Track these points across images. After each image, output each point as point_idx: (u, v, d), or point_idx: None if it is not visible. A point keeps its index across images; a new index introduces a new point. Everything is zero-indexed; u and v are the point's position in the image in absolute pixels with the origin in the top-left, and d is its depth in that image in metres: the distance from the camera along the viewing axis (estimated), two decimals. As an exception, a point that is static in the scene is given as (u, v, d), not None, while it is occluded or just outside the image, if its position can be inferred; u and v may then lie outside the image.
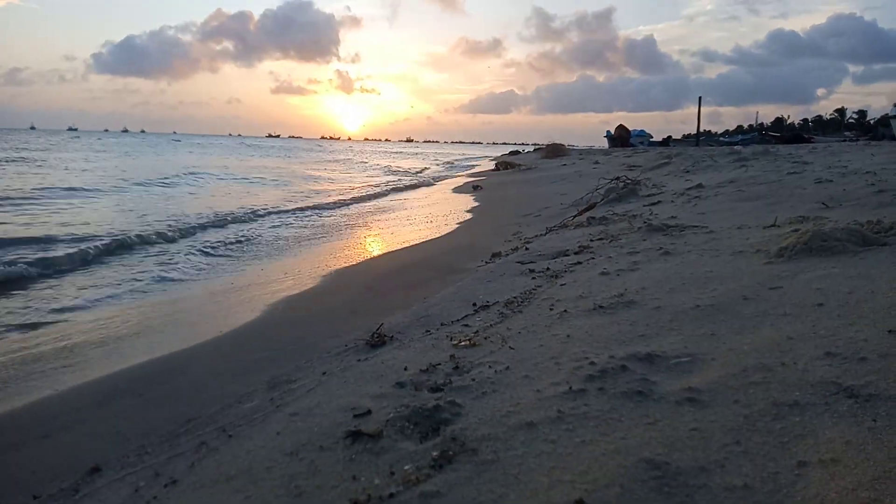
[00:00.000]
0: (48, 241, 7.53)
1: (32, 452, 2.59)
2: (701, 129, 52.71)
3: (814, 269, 2.69)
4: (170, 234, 8.25)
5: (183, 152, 48.51)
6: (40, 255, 6.48)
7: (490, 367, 2.09)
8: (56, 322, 4.54)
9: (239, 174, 24.85)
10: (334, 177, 26.47)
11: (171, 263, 6.55)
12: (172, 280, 5.93)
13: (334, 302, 4.97)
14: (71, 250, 6.74)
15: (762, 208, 4.91)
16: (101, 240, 7.50)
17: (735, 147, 19.50)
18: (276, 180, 22.55)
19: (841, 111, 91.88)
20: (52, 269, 5.98)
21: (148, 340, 4.04)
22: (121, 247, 7.30)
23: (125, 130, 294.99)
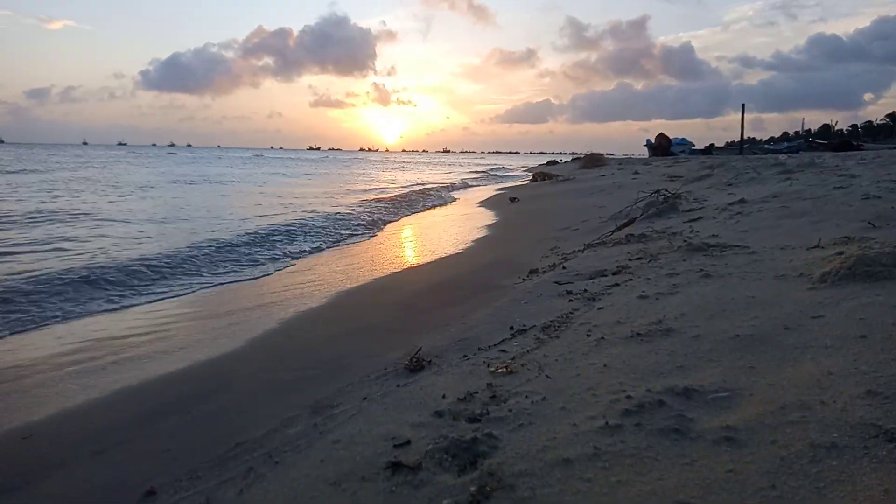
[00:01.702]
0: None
1: (88, 470, 2.72)
2: (745, 137, 51.54)
3: (857, 297, 2.64)
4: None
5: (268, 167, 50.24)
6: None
7: (527, 396, 2.13)
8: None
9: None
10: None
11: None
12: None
13: (373, 319, 5.06)
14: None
15: (806, 226, 4.80)
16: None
17: (780, 157, 19.03)
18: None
19: (893, 116, 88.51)
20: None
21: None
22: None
23: (172, 145, 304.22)
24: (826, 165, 9.92)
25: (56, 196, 16.93)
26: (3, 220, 11.45)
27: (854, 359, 1.96)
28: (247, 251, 8.32)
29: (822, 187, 6.82)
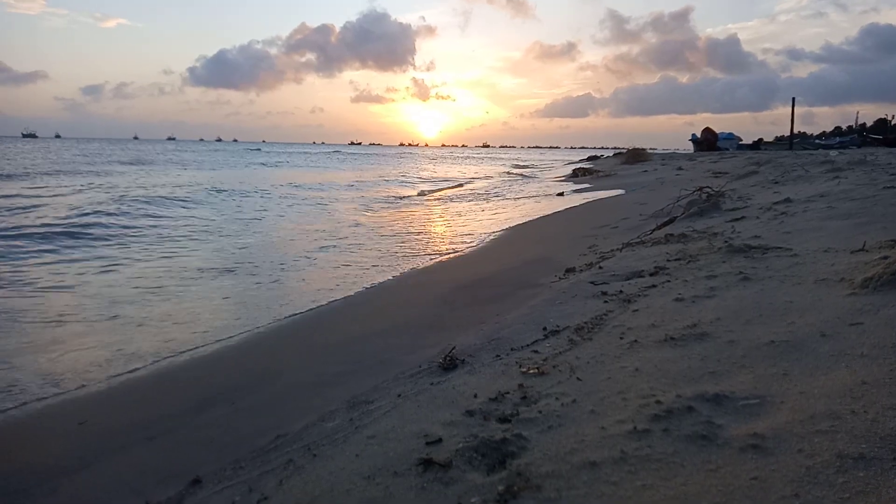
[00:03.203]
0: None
1: (140, 455, 2.88)
2: (795, 131, 49.91)
3: (900, 304, 2.59)
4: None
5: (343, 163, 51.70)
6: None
7: (557, 398, 2.17)
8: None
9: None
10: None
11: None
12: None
13: (411, 315, 5.17)
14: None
15: (852, 228, 4.68)
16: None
17: (830, 153, 18.41)
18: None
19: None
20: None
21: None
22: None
23: (219, 139, 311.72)
24: (878, 163, 9.59)
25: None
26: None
27: (889, 369, 1.94)
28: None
29: (872, 186, 6.61)
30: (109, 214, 12.05)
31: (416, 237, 10.15)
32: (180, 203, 14.95)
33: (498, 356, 2.94)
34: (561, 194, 16.16)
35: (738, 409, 1.85)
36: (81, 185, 20.04)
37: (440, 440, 1.95)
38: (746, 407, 1.86)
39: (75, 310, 5.41)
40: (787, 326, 2.56)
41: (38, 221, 11.02)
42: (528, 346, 3.02)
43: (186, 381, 3.89)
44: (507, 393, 2.30)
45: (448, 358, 3.00)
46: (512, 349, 3.03)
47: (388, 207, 15.66)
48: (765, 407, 1.84)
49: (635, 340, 2.74)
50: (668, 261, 4.68)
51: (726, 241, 4.86)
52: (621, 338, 2.84)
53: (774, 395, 1.90)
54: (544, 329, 3.31)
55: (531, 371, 2.53)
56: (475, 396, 2.33)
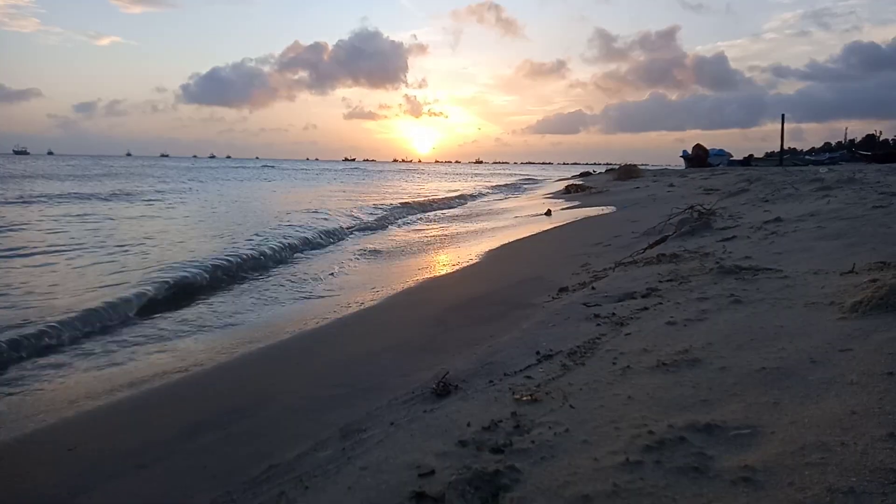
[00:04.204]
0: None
1: (132, 484, 2.85)
2: (784, 147, 50.43)
3: (889, 329, 2.61)
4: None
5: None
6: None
7: (550, 427, 2.17)
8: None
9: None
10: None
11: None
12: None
13: (405, 336, 5.18)
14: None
15: (842, 249, 4.73)
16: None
17: (820, 170, 18.61)
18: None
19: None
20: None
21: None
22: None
23: (212, 156, 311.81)
24: (867, 181, 9.70)
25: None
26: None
27: (879, 398, 1.95)
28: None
29: (861, 206, 6.69)
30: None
31: (409, 255, 10.16)
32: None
33: (491, 381, 2.94)
34: (547, 213, 16.25)
35: (730, 440, 1.86)
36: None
37: (433, 472, 1.95)
38: (738, 437, 1.87)
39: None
40: (778, 352, 2.58)
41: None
42: (521, 371, 3.03)
43: (178, 404, 3.87)
44: (501, 421, 2.30)
45: (442, 384, 2.99)
46: (505, 374, 3.03)
47: (392, 226, 15.69)
48: (756, 437, 1.85)
49: (628, 366, 2.75)
50: (660, 282, 4.70)
51: (717, 262, 4.89)
52: (614, 363, 2.85)
53: (765, 426, 1.92)
54: (537, 353, 3.31)
55: (524, 398, 2.54)
56: (468, 425, 2.33)
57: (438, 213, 20.10)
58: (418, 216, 18.53)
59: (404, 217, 18.00)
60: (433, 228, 14.73)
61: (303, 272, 8.62)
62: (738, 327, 3.09)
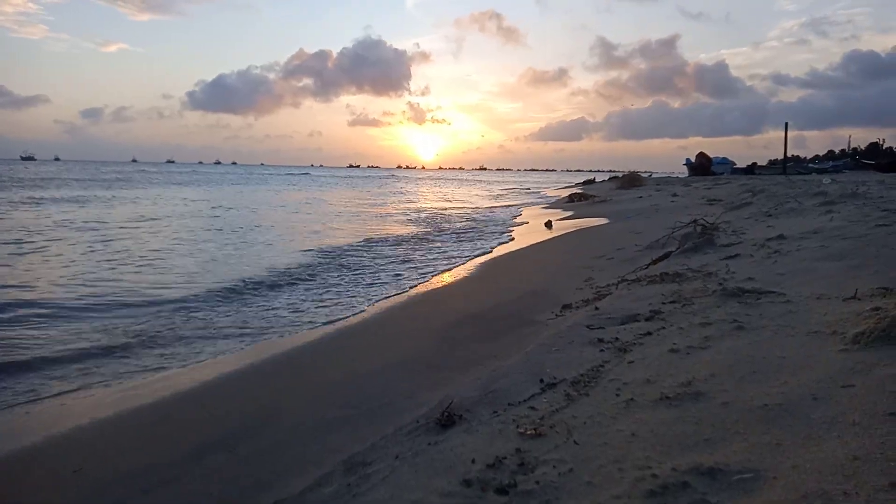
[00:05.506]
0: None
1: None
2: (788, 155, 50.38)
3: (891, 363, 2.62)
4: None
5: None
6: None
7: (554, 466, 2.19)
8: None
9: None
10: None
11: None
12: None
13: (410, 352, 5.23)
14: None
15: (844, 272, 4.73)
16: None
17: (823, 181, 18.60)
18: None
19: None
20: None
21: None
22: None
23: (217, 162, 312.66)
24: (870, 196, 9.70)
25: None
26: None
27: (881, 441, 1.96)
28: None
29: (864, 224, 6.69)
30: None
31: (411, 263, 10.19)
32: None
33: (495, 412, 2.96)
34: (548, 224, 16.31)
35: (733, 485, 1.87)
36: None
37: (438, 514, 1.97)
38: (740, 482, 1.88)
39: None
40: (780, 387, 2.59)
41: None
42: (524, 401, 3.05)
43: (185, 422, 3.89)
44: (505, 458, 2.32)
45: (446, 414, 3.01)
46: (509, 404, 3.05)
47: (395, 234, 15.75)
48: (758, 482, 1.86)
49: (631, 398, 2.77)
50: (664, 303, 4.71)
51: (720, 284, 4.91)
52: (617, 394, 2.86)
53: (767, 469, 1.93)
54: (541, 381, 3.33)
55: (528, 432, 2.55)
56: (472, 462, 2.34)
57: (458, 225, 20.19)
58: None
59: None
60: (439, 237, 14.78)
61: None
62: (740, 356, 3.10)
